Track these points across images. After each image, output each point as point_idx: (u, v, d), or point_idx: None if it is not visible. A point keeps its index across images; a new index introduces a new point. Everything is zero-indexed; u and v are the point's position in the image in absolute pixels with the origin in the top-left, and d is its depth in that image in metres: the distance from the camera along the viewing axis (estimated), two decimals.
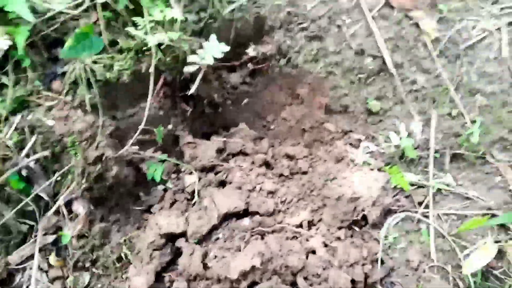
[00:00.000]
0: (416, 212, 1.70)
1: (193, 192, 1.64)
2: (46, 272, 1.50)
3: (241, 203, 1.56)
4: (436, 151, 1.81)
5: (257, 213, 1.59)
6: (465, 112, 1.83)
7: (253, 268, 1.38)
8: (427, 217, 1.70)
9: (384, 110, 1.86)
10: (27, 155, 1.43)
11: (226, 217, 1.58)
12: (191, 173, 1.70)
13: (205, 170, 1.71)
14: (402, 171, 1.74)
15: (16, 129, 1.43)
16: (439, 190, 1.76)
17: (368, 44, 1.85)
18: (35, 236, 1.48)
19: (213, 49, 1.55)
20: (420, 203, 1.75)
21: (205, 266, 1.45)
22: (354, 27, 1.87)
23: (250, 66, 1.85)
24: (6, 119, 1.44)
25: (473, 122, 1.81)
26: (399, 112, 1.86)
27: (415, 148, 1.80)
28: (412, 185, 1.75)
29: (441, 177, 1.79)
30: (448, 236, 1.66)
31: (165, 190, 1.72)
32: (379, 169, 1.71)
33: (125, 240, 1.54)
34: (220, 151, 1.74)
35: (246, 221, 1.58)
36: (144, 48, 1.55)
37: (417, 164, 1.81)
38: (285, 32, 1.86)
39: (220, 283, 1.42)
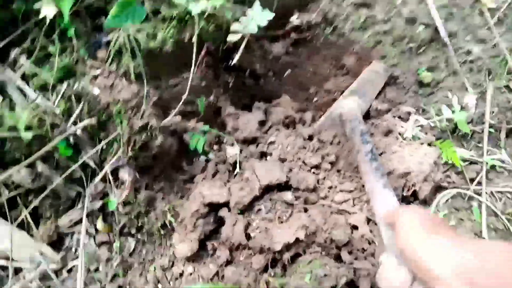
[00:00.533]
0: (467, 189, 1.62)
1: (235, 163, 1.63)
2: (94, 236, 1.54)
3: (282, 175, 1.53)
4: (491, 126, 1.71)
5: (298, 188, 1.55)
6: None
7: (297, 240, 1.36)
8: (479, 194, 1.62)
9: (436, 81, 1.76)
10: (74, 123, 1.46)
11: (268, 189, 1.55)
12: (232, 144, 1.68)
13: (247, 141, 1.69)
14: (454, 146, 1.65)
15: (63, 97, 1.46)
16: (493, 167, 1.67)
17: (420, 11, 1.74)
18: (83, 201, 1.51)
19: (257, 17, 1.50)
20: (472, 180, 1.66)
21: (248, 236, 1.44)
22: None
23: (293, 35, 1.79)
24: (54, 87, 1.46)
25: None
26: (452, 84, 1.75)
27: (469, 123, 1.70)
28: (464, 161, 1.66)
29: (495, 154, 1.69)
30: (501, 215, 1.57)
31: (207, 161, 1.72)
32: (429, 144, 1.63)
33: (169, 208, 1.55)
34: (262, 123, 1.71)
35: (288, 195, 1.55)
36: (187, 17, 1.52)
37: (470, 139, 1.71)
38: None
39: (262, 254, 1.41)
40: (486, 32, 1.76)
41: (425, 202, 1.57)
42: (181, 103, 1.52)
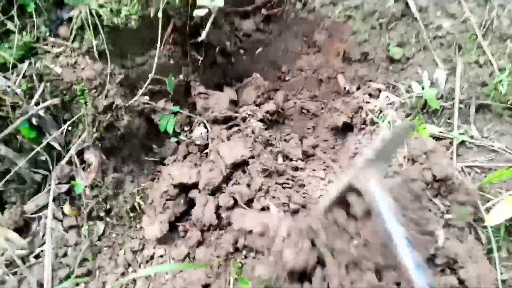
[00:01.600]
0: None
1: (206, 144, 1.61)
2: (61, 221, 1.51)
3: (246, 151, 1.50)
4: (461, 101, 1.72)
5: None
6: (494, 60, 1.72)
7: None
8: None
9: (407, 57, 1.76)
10: (37, 103, 1.40)
11: (236, 167, 1.53)
12: (202, 124, 1.65)
13: (216, 121, 1.66)
14: (424, 122, 1.66)
15: (24, 76, 1.40)
16: (463, 142, 1.68)
17: None
18: (49, 185, 1.47)
19: None
20: None
21: (218, 217, 1.43)
22: None
23: (264, 11, 1.76)
24: (14, 66, 1.40)
25: (502, 70, 1.70)
26: (423, 59, 1.75)
27: (439, 99, 1.71)
28: (434, 137, 1.67)
29: (465, 129, 1.71)
30: None
31: (178, 142, 1.69)
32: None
33: (138, 191, 1.53)
34: (233, 102, 1.68)
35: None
36: None
37: (441, 116, 1.72)
38: None
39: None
40: (456, 7, 1.75)
41: None
42: (147, 82, 1.48)
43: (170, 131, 1.65)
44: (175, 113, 1.68)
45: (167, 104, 1.65)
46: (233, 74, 1.83)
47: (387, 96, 1.70)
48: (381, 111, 1.68)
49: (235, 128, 1.63)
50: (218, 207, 1.46)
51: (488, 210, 1.50)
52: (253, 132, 1.56)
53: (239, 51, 1.79)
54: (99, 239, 1.52)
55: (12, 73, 1.40)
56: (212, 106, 1.66)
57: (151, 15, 1.47)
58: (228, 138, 1.57)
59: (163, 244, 1.49)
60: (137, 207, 1.52)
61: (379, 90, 1.72)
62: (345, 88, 1.74)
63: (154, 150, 1.67)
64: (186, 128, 1.71)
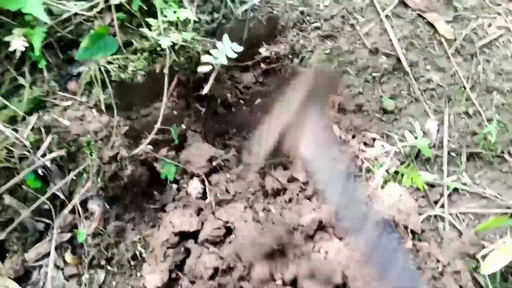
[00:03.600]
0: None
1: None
2: (62, 269, 1.51)
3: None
4: (452, 150, 1.79)
5: None
6: (482, 111, 1.81)
7: None
8: (442, 218, 1.68)
9: (399, 108, 1.84)
10: (43, 155, 1.45)
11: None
12: (194, 176, 1.70)
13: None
14: (418, 170, 1.72)
15: (32, 129, 1.45)
16: (455, 189, 1.74)
17: (382, 42, 1.84)
18: (51, 234, 1.49)
19: (227, 49, 1.55)
20: (436, 202, 1.72)
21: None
22: (367, 26, 1.86)
23: (263, 66, 1.85)
24: (23, 119, 1.46)
25: (490, 120, 1.78)
26: (414, 110, 1.84)
27: (431, 147, 1.77)
28: (428, 184, 1.73)
29: (457, 176, 1.76)
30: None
31: (179, 189, 1.73)
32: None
33: (139, 239, 1.54)
34: (211, 160, 1.70)
35: None
36: (158, 48, 1.56)
37: (434, 163, 1.78)
38: (298, 32, 1.86)
39: None
40: (445, 61, 1.86)
41: None
42: (153, 132, 1.54)
43: (171, 178, 1.69)
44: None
45: (169, 153, 1.70)
46: (233, 124, 1.89)
47: (382, 145, 1.77)
48: (376, 159, 1.74)
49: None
50: None
51: (483, 257, 1.54)
52: None
53: (239, 102, 1.87)
54: None
55: (21, 126, 1.45)
56: (192, 159, 1.69)
57: (157, 70, 1.55)
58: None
59: None
60: (138, 255, 1.54)
61: (374, 139, 1.79)
62: (340, 137, 1.80)
63: (155, 197, 1.70)
64: (185, 176, 1.74)
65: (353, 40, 1.85)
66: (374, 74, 1.84)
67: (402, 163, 1.76)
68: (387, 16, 1.85)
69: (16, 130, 1.44)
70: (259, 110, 1.92)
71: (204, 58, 1.55)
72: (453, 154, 1.79)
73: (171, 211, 1.63)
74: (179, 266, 1.53)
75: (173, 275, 1.51)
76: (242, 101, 1.88)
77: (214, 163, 1.70)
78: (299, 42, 1.85)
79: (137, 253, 1.54)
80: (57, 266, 1.51)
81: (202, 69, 1.58)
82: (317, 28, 1.85)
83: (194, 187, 1.68)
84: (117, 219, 1.56)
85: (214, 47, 1.57)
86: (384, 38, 1.85)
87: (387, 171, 1.72)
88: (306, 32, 1.86)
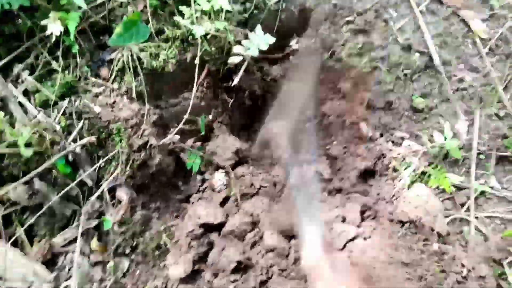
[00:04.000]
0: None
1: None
2: (88, 256, 1.52)
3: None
4: (481, 153, 1.75)
5: None
6: None
7: None
8: (468, 221, 1.66)
9: (429, 108, 1.80)
10: (74, 140, 1.45)
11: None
12: (219, 168, 1.69)
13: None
14: (446, 171, 1.69)
15: (64, 114, 1.46)
16: (482, 192, 1.71)
17: (415, 39, 1.80)
18: (79, 220, 1.50)
19: (259, 41, 1.53)
20: (462, 205, 1.70)
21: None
22: (401, 21, 1.81)
23: (291, 59, 1.82)
24: (55, 103, 1.46)
25: None
26: (445, 110, 1.80)
27: (460, 149, 1.74)
28: (454, 186, 1.70)
29: (485, 180, 1.74)
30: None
31: (203, 180, 1.72)
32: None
33: (165, 229, 1.55)
34: (237, 152, 1.70)
35: None
36: (190, 37, 1.54)
37: (462, 165, 1.75)
38: (330, 25, 1.82)
39: None
40: (478, 61, 1.82)
41: None
42: (182, 122, 1.53)
43: (196, 169, 1.69)
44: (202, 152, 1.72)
45: (196, 143, 1.69)
46: (259, 117, 1.87)
47: (409, 145, 1.74)
48: (403, 159, 1.72)
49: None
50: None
51: (510, 264, 1.52)
52: None
53: (266, 95, 1.85)
54: (124, 276, 1.53)
55: (53, 111, 1.45)
56: (218, 151, 1.69)
57: (188, 60, 1.54)
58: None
59: (185, 284, 1.50)
60: (163, 245, 1.54)
61: (402, 138, 1.76)
62: (367, 134, 1.78)
63: (180, 188, 1.70)
64: (210, 168, 1.74)
65: (385, 35, 1.80)
66: (405, 71, 1.80)
67: (429, 163, 1.73)
68: (421, 12, 1.80)
69: (48, 115, 1.44)
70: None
71: (236, 49, 1.53)
72: (482, 156, 1.76)
73: (196, 202, 1.63)
74: (202, 258, 1.54)
75: (196, 267, 1.51)
76: (269, 94, 1.86)
77: (239, 156, 1.70)
78: (330, 35, 1.81)
79: (162, 243, 1.54)
80: (83, 253, 1.52)
81: (233, 59, 1.56)
82: (350, 22, 1.81)
83: (218, 179, 1.67)
84: (143, 208, 1.56)
85: (246, 37, 1.55)
86: (417, 35, 1.80)
87: (414, 171, 1.70)
88: (338, 25, 1.82)
